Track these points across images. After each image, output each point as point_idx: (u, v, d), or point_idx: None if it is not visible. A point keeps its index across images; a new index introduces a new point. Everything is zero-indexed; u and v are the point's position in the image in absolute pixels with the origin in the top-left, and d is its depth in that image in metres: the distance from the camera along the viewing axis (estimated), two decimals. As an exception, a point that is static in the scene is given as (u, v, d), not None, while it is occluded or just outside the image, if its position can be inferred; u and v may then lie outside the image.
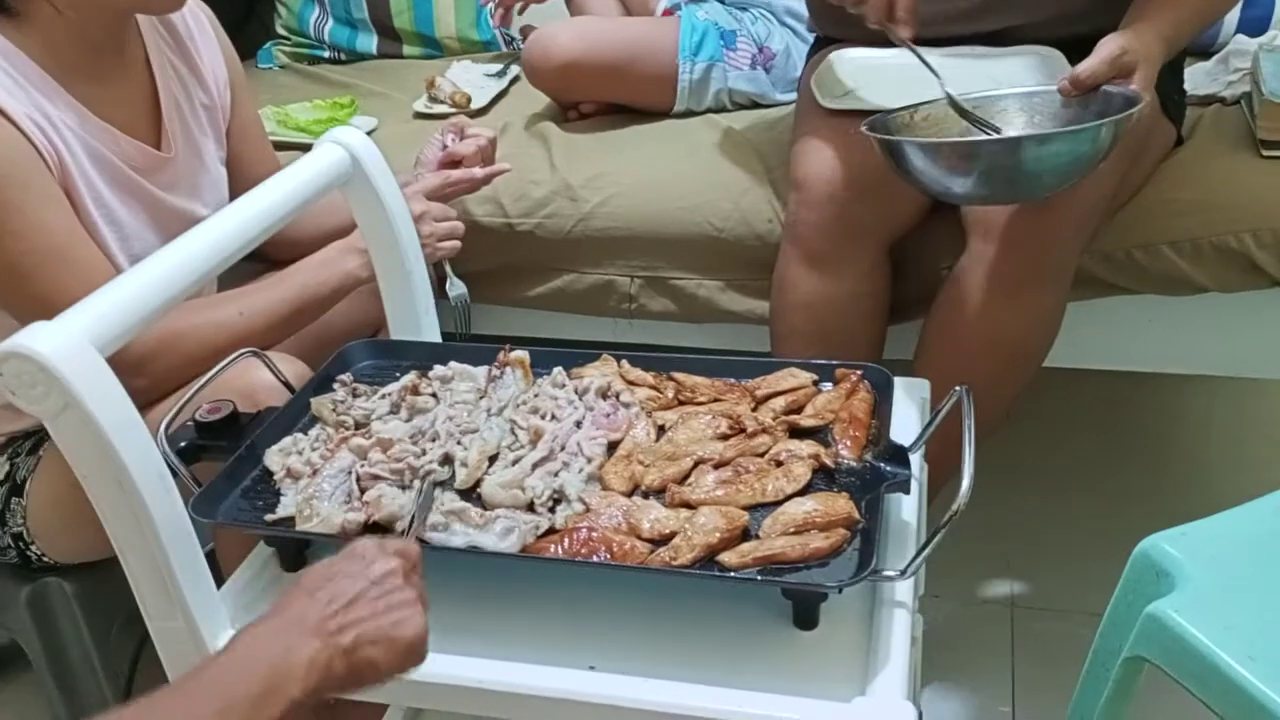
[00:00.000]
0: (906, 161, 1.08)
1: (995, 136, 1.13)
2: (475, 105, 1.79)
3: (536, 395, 1.00)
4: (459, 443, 0.94)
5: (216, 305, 1.16)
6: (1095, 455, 1.84)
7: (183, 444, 0.99)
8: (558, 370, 1.04)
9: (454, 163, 1.42)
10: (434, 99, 1.80)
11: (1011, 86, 1.22)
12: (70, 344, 0.75)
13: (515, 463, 0.91)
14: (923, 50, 1.31)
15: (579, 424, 0.96)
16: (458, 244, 1.34)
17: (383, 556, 0.71)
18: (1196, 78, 1.55)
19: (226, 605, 0.88)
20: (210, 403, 1.02)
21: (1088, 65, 1.10)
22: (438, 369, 1.06)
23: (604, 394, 1.00)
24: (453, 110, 1.77)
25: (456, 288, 1.40)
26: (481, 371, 1.05)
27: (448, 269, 1.38)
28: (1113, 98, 1.09)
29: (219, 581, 0.89)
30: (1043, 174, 1.05)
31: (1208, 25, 1.35)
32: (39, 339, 0.74)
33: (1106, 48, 1.10)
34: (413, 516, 0.87)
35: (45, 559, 1.23)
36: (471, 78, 1.90)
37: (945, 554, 1.29)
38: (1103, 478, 1.78)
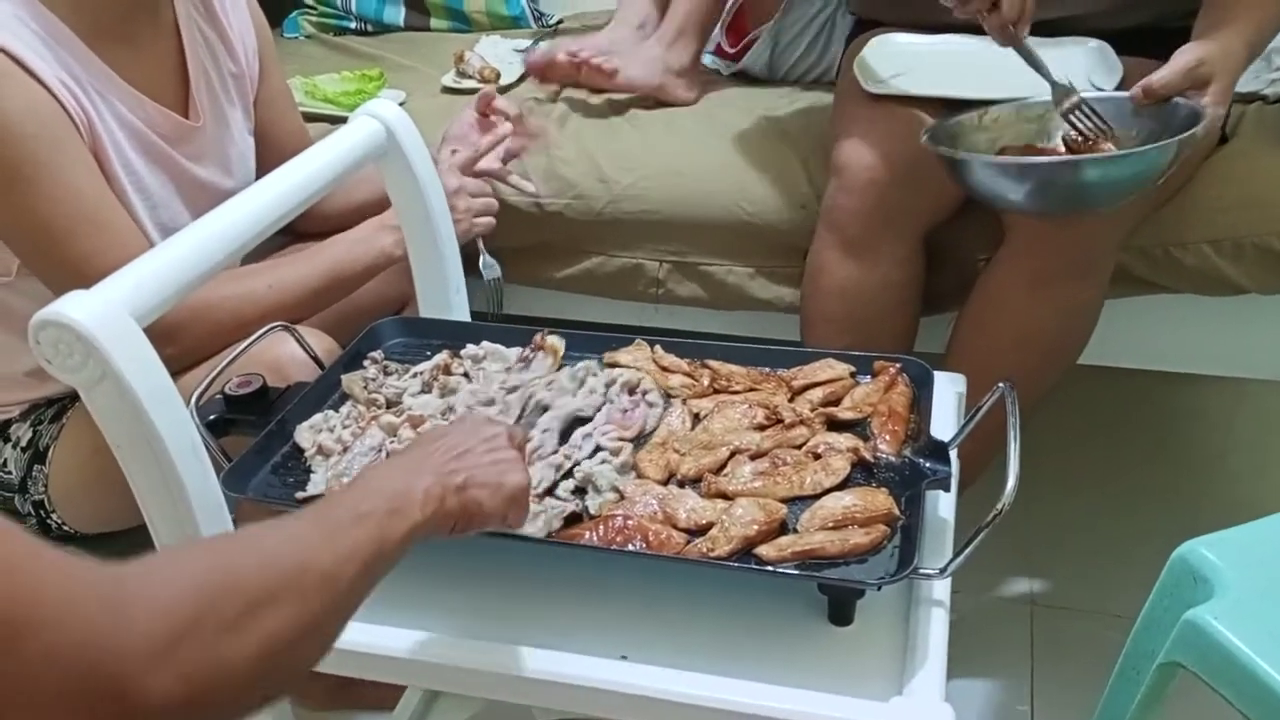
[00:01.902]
0: (967, 177, 1.06)
1: (1052, 159, 1.10)
2: (504, 81, 1.76)
3: (552, 383, 0.98)
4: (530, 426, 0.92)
5: (248, 277, 1.15)
6: (1122, 455, 1.83)
7: (211, 417, 0.98)
8: (582, 364, 1.02)
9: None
10: (462, 74, 1.78)
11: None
12: (108, 313, 0.75)
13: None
14: (968, 38, 1.29)
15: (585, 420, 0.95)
16: (493, 221, 1.32)
17: (492, 424, 0.79)
18: (1239, 75, 1.53)
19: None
20: (240, 376, 1.01)
21: (1162, 76, 1.07)
22: (470, 348, 1.05)
23: (631, 389, 0.98)
24: (480, 85, 1.75)
25: (491, 268, 1.38)
26: (513, 352, 1.03)
27: (481, 247, 1.36)
28: (1179, 110, 1.07)
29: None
30: (1103, 192, 1.04)
31: None
32: (77, 308, 0.74)
33: (1183, 58, 1.07)
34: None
35: (65, 527, 1.22)
36: (500, 52, 1.87)
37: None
38: (1129, 478, 1.76)
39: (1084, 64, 1.26)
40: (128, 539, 1.20)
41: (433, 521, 0.68)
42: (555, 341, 1.03)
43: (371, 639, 0.83)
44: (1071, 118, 1.13)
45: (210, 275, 0.86)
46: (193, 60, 1.20)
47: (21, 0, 1.03)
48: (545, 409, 0.94)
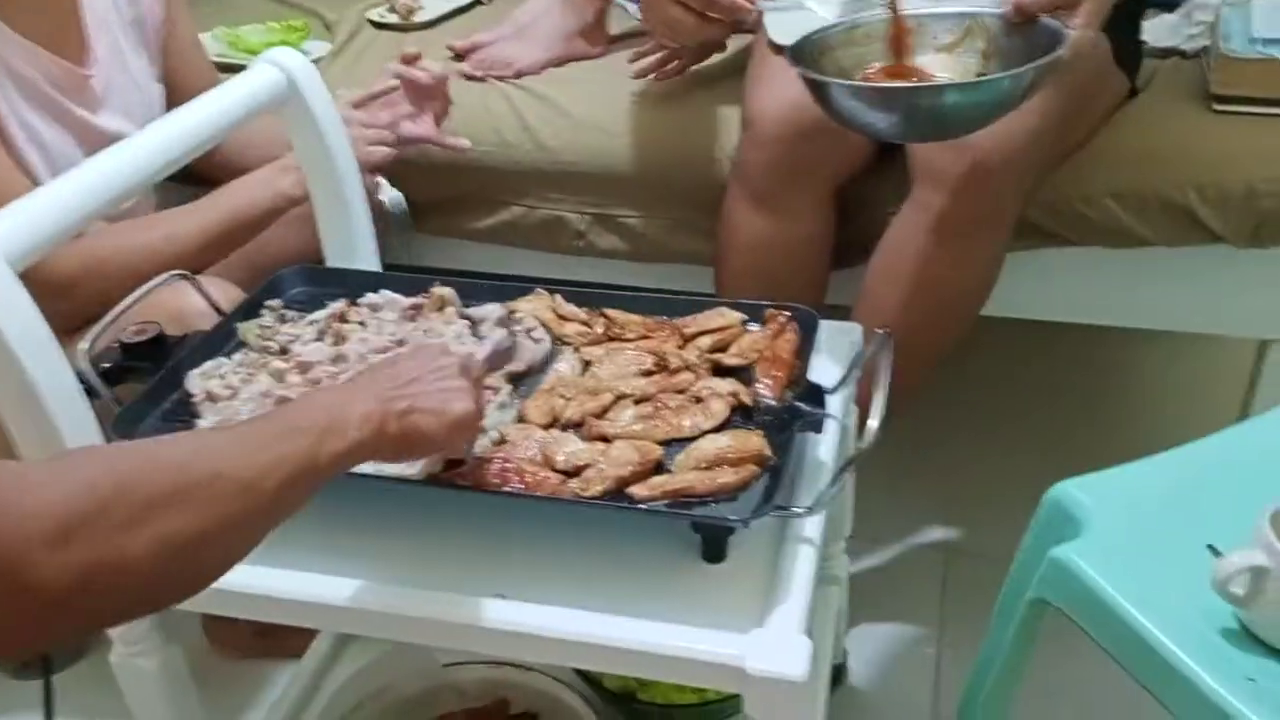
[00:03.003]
0: (827, 99, 1.04)
1: (910, 85, 1.06)
2: (420, 18, 1.77)
3: (425, 332, 0.99)
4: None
5: (143, 229, 1.14)
6: (1032, 404, 1.87)
7: (107, 365, 0.98)
8: (451, 309, 1.03)
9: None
10: (391, 9, 1.79)
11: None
12: (-25, 256, 0.75)
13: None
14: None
15: None
16: (389, 151, 1.29)
17: (445, 355, 0.79)
18: (1158, 30, 1.54)
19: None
20: (137, 324, 1.01)
21: None
22: (368, 297, 1.06)
23: (504, 324, 0.99)
24: (397, 20, 1.76)
25: (391, 194, 1.38)
26: (405, 300, 1.04)
27: (380, 180, 1.35)
28: (1044, 31, 1.04)
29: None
30: (963, 117, 1.01)
31: None
32: (-58, 250, 0.74)
33: None
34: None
35: None
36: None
37: (883, 500, 1.31)
38: (1040, 427, 1.80)
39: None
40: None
41: (371, 444, 0.69)
42: (443, 291, 1.04)
43: (260, 581, 0.84)
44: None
45: (91, 218, 0.87)
46: (88, 6, 1.18)
47: None
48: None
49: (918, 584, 1.51)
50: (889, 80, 1.05)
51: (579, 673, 1.15)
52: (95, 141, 1.18)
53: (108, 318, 0.99)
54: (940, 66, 1.09)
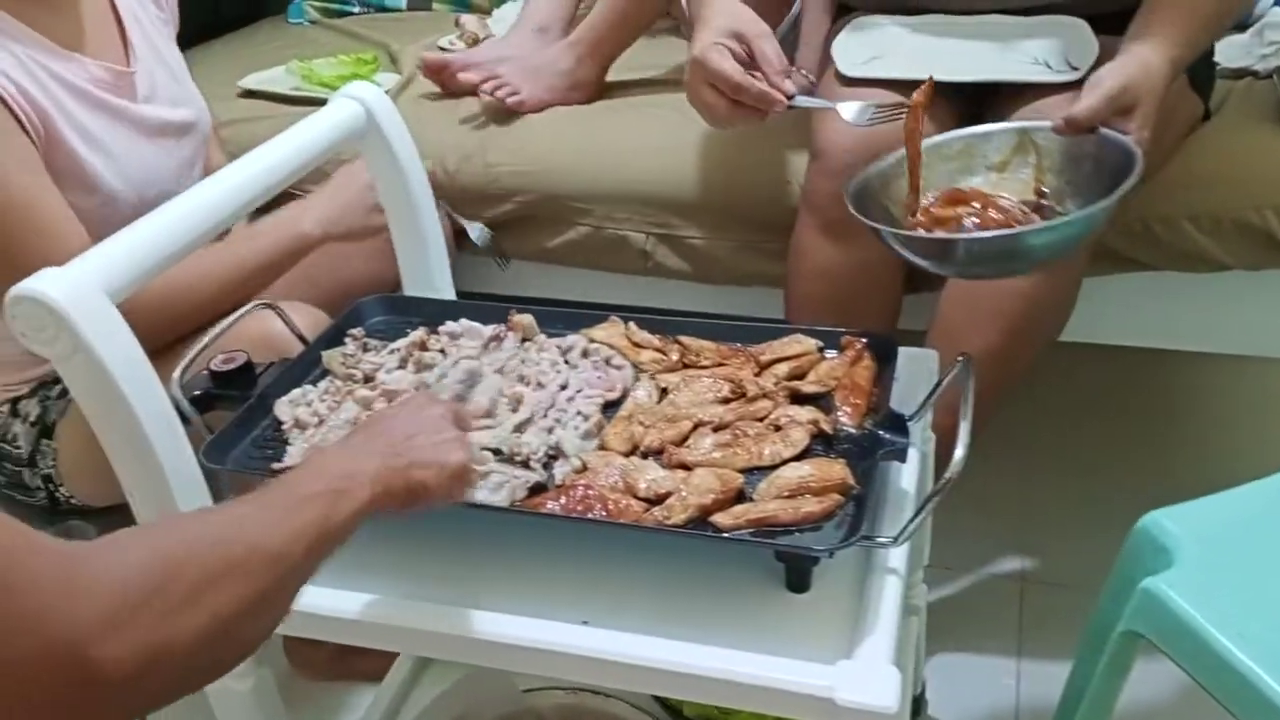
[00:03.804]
0: (884, 244, 1.01)
1: (973, 236, 1.00)
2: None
3: (523, 361, 1.01)
4: (460, 398, 0.95)
5: (175, 274, 1.17)
6: (1110, 431, 1.84)
7: (196, 392, 1.01)
8: (541, 337, 1.05)
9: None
10: (460, 37, 1.84)
11: (1021, 74, 1.18)
12: (80, 289, 0.77)
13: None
14: (944, 18, 1.29)
15: (564, 387, 0.97)
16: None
17: (435, 404, 0.81)
18: (1230, 50, 1.52)
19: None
20: (225, 353, 1.04)
21: (1086, 105, 1.02)
22: (447, 325, 1.08)
23: (585, 353, 1.01)
24: (464, 49, 1.82)
25: (476, 230, 1.41)
26: (486, 330, 1.06)
27: (460, 219, 1.39)
28: (1101, 141, 1.02)
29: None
30: (1029, 257, 0.99)
31: (1219, 34, 1.28)
32: (50, 283, 0.76)
33: (1107, 84, 1.02)
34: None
35: (73, 501, 1.26)
36: (509, 18, 1.92)
37: (958, 527, 1.30)
38: (1118, 454, 1.77)
39: (1059, 42, 1.26)
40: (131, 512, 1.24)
41: (379, 501, 0.71)
42: (523, 319, 1.05)
43: (346, 604, 0.86)
44: None
45: (186, 251, 0.89)
46: (123, 7, 1.25)
47: None
48: (474, 380, 0.96)
49: (994, 613, 1.50)
50: (947, 207, 1.04)
51: (658, 700, 1.15)
52: (153, 130, 1.24)
53: (198, 347, 1.02)
54: (995, 187, 1.07)
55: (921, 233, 1.02)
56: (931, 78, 1.07)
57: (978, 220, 1.01)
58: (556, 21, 1.75)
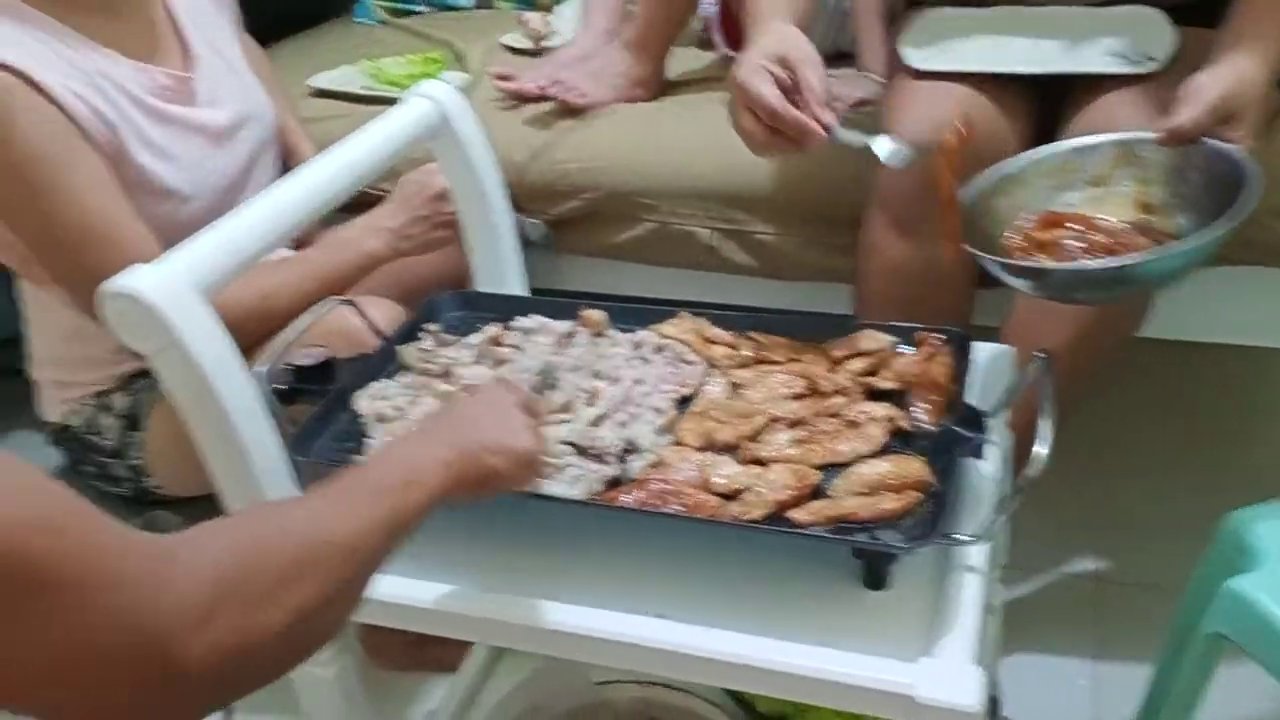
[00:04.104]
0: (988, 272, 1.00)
1: (1096, 265, 0.98)
2: (551, 44, 1.82)
3: (598, 357, 1.02)
4: (537, 392, 0.96)
5: (241, 289, 1.18)
6: (1188, 429, 1.80)
7: (280, 386, 1.03)
8: (613, 331, 1.06)
9: None
10: (525, 34, 1.85)
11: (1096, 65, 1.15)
12: (173, 285, 0.80)
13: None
14: (1015, 10, 1.27)
15: (638, 382, 0.97)
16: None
17: (506, 394, 0.82)
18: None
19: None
20: (306, 348, 1.06)
21: (1189, 115, 0.99)
22: (520, 321, 1.09)
23: (659, 349, 1.01)
24: (530, 46, 1.82)
25: (531, 228, 1.43)
26: (560, 325, 1.06)
27: (517, 216, 1.39)
28: (1205, 151, 0.99)
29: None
30: (1146, 283, 0.98)
31: None
32: (143, 280, 0.79)
33: (1208, 94, 1.00)
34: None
35: (159, 491, 1.29)
36: (572, 15, 1.94)
37: (1032, 526, 1.29)
38: (1196, 452, 1.73)
39: (1134, 33, 1.23)
40: (216, 502, 1.27)
41: (450, 489, 0.72)
42: (594, 314, 1.06)
43: (422, 594, 0.87)
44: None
45: (270, 249, 0.91)
46: (179, 8, 1.27)
47: (9, 8, 1.09)
48: (551, 375, 0.98)
49: (1070, 612, 1.47)
50: (1045, 231, 1.02)
51: (731, 695, 1.15)
52: (214, 135, 1.27)
53: (280, 342, 1.04)
54: (1096, 203, 1.05)
55: (1049, 263, 0.98)
56: (958, 125, 1.05)
57: (1082, 246, 0.98)
58: (620, 22, 1.77)
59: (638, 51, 1.67)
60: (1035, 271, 0.99)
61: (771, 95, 1.02)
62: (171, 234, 1.21)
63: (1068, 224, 1.02)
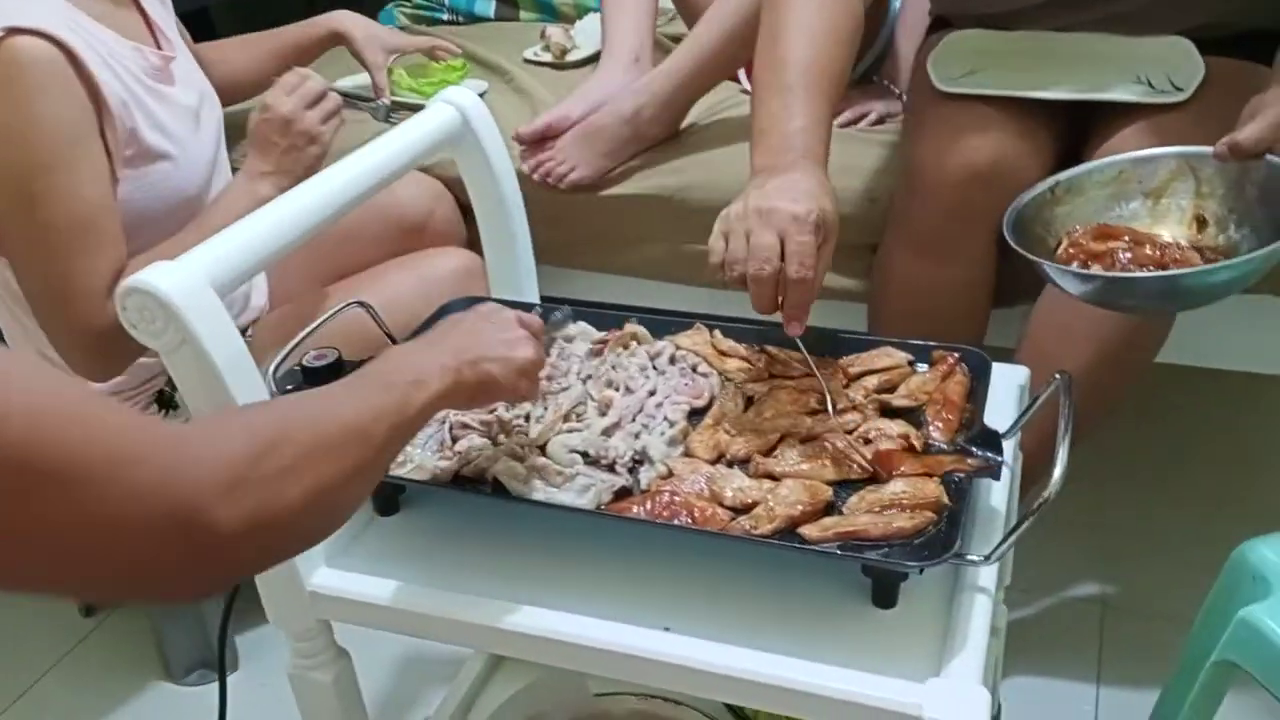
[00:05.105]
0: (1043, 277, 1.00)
1: (1145, 274, 0.98)
2: (574, 58, 1.83)
3: (613, 367, 1.01)
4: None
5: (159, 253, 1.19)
6: (1197, 457, 1.79)
7: (289, 387, 1.03)
8: (634, 345, 1.05)
9: None
10: (546, 48, 1.85)
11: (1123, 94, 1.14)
12: (189, 283, 0.79)
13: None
14: (1043, 34, 1.27)
15: (652, 393, 0.97)
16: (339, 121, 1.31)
17: (502, 310, 0.88)
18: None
19: (323, 544, 0.91)
20: (316, 350, 1.05)
21: (1251, 132, 0.98)
22: (568, 329, 1.09)
23: (672, 360, 1.01)
24: (551, 59, 1.82)
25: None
26: (594, 333, 1.07)
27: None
28: (1275, 172, 0.98)
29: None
30: (1206, 293, 0.97)
31: None
32: (161, 276, 0.78)
33: (1273, 112, 0.98)
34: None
35: None
36: (594, 29, 1.93)
37: (1037, 549, 1.28)
38: (1204, 481, 1.72)
39: (1162, 62, 1.23)
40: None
41: (451, 392, 0.76)
42: (636, 328, 1.06)
43: (424, 600, 0.87)
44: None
45: (287, 250, 0.91)
46: None
47: None
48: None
49: (1072, 637, 1.46)
50: (1098, 241, 1.02)
51: (731, 710, 1.15)
52: (191, 114, 1.31)
53: (292, 343, 1.04)
54: (1152, 214, 1.05)
55: (1102, 271, 0.98)
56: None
57: (1132, 258, 0.99)
58: (646, 49, 1.65)
59: (659, 112, 1.54)
60: (1088, 279, 0.99)
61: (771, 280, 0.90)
62: (176, 212, 1.24)
63: (1119, 237, 1.03)
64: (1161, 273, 0.97)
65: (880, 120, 1.61)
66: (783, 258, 0.89)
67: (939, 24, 1.44)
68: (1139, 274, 0.98)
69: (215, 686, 1.02)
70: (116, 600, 1.39)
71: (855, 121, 1.61)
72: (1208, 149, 1.01)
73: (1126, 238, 1.02)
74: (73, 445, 0.50)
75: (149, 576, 0.55)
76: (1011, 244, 0.99)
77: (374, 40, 1.64)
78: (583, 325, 1.08)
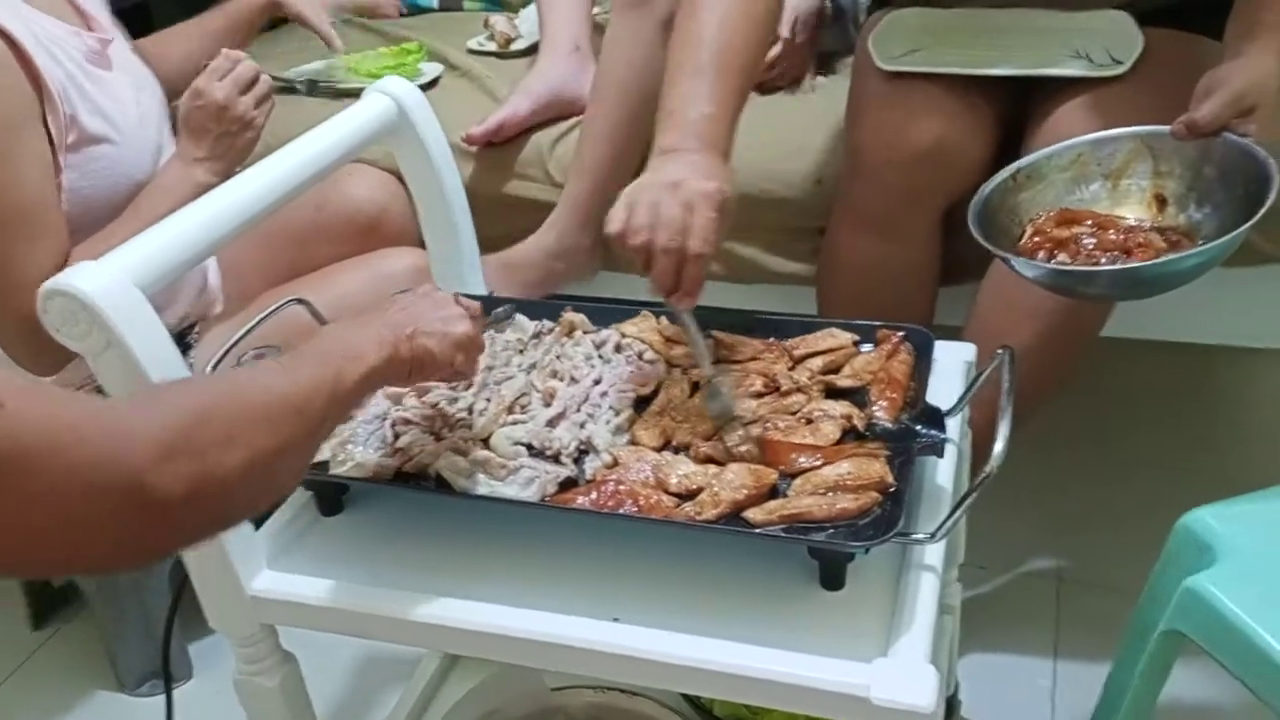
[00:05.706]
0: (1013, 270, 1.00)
1: (1112, 268, 0.98)
2: (518, 47, 1.81)
3: (558, 357, 1.00)
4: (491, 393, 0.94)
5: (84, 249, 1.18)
6: (1149, 429, 1.80)
7: (228, 387, 1.01)
8: (579, 334, 1.05)
9: None
10: (490, 38, 1.83)
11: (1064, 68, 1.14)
12: (113, 283, 0.77)
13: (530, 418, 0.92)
14: (983, 11, 1.27)
15: (598, 381, 0.96)
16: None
17: (439, 291, 0.89)
18: None
19: (264, 546, 0.90)
20: (256, 349, 1.03)
21: (1209, 110, 0.98)
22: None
23: (618, 348, 1.00)
24: (495, 49, 1.80)
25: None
26: (533, 325, 1.05)
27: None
28: (1232, 150, 0.98)
29: (257, 523, 0.92)
30: (1169, 280, 0.96)
31: None
32: (82, 277, 0.76)
33: (1229, 87, 0.98)
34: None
35: None
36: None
37: (993, 525, 1.28)
38: (1157, 453, 1.74)
39: (1101, 35, 1.24)
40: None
41: (387, 365, 0.77)
42: (574, 316, 1.05)
43: (371, 600, 0.85)
44: None
45: (216, 247, 0.89)
46: None
47: None
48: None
49: (1029, 612, 1.47)
50: (1061, 226, 1.02)
51: (688, 699, 1.14)
52: (130, 99, 1.28)
53: (230, 341, 1.02)
54: (1113, 196, 1.05)
55: (1071, 265, 0.98)
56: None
57: (1096, 243, 0.99)
58: (585, 37, 1.64)
59: (576, 225, 1.49)
60: (1060, 275, 0.98)
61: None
62: (123, 199, 1.21)
63: (1081, 222, 1.02)
64: (1124, 266, 0.97)
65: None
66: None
67: (880, 2, 1.44)
68: (1102, 267, 0.97)
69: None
70: (68, 574, 1.38)
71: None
72: (1164, 128, 1.01)
73: (1089, 222, 1.02)
74: (12, 432, 0.51)
75: (97, 550, 0.57)
76: (979, 239, 0.99)
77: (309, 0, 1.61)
78: (518, 318, 1.07)
